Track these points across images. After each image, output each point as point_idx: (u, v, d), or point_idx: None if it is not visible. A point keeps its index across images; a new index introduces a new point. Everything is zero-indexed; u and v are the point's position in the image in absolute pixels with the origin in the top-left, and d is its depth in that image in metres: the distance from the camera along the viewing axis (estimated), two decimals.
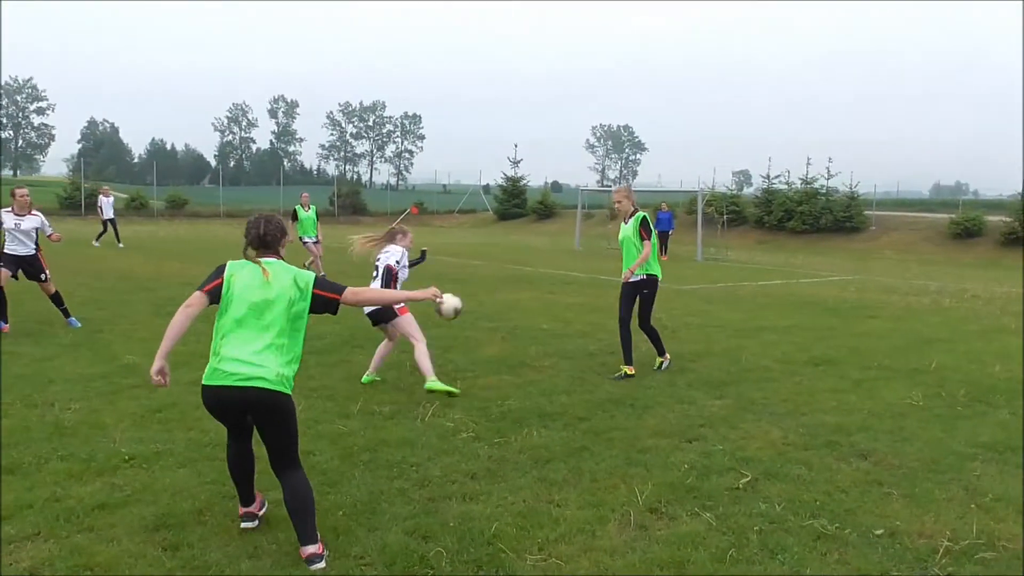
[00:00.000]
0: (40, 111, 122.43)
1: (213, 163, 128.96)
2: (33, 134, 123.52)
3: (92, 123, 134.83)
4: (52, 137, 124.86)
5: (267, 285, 3.65)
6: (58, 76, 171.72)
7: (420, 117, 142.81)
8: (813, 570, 3.76)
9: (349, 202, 47.27)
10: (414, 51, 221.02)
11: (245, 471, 3.92)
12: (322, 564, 3.59)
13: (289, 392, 3.65)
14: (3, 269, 9.08)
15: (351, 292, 3.81)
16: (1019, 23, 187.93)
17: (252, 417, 3.70)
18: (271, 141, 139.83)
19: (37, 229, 9.53)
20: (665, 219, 26.03)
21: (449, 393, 6.47)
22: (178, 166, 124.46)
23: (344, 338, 9.04)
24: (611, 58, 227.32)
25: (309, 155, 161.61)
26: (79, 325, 9.27)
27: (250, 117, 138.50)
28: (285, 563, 3.62)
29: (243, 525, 3.95)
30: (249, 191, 72.41)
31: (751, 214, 36.62)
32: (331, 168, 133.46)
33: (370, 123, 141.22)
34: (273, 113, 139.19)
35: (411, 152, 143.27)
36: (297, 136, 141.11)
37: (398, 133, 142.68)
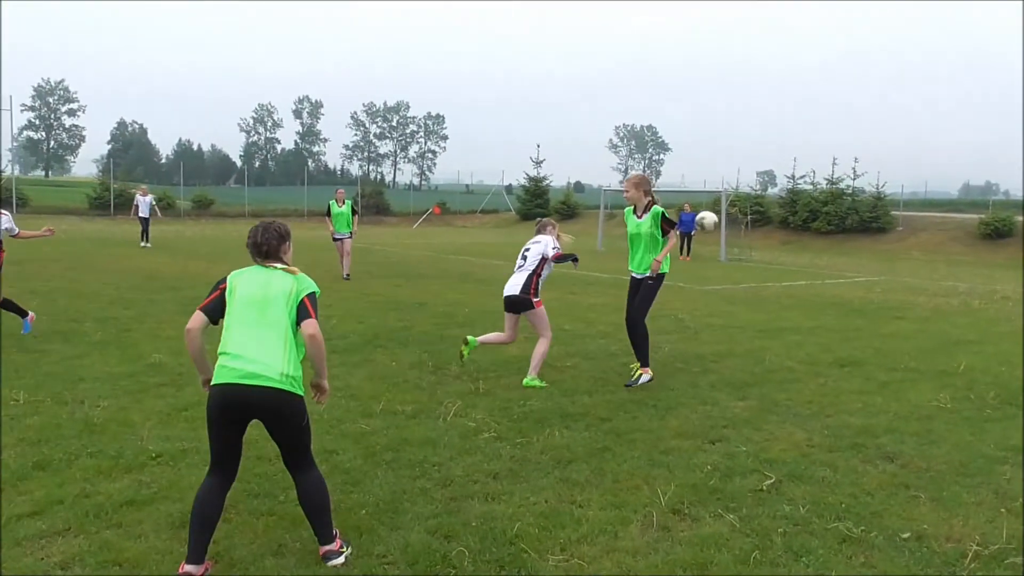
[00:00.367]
0: (71, 112, 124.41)
1: (239, 163, 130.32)
2: (64, 135, 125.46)
3: (121, 124, 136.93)
4: (83, 138, 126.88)
5: (268, 285, 3.63)
6: (89, 77, 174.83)
7: (443, 117, 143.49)
8: (838, 573, 3.72)
9: (373, 202, 47.55)
10: (436, 52, 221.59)
11: (207, 518, 3.49)
12: (340, 560, 3.60)
13: (296, 391, 3.55)
14: None
15: (317, 329, 3.59)
16: None
17: (259, 417, 3.57)
18: (296, 141, 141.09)
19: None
20: (688, 220, 25.87)
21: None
22: (204, 166, 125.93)
23: (367, 338, 9.10)
24: (635, 58, 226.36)
25: (333, 155, 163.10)
26: (30, 330, 8.64)
27: (275, 118, 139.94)
28: (309, 561, 3.65)
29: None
30: (274, 191, 73.12)
31: (775, 214, 36.33)
32: (355, 168, 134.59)
33: (394, 123, 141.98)
34: (298, 113, 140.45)
35: (434, 152, 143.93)
36: (321, 136, 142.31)
37: (421, 133, 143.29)
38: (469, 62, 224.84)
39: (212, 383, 3.56)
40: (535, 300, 7.12)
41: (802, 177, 36.99)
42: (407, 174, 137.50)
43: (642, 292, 7.31)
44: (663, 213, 7.21)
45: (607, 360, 8.32)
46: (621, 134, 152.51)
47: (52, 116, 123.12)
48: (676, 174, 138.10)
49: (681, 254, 25.02)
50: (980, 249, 29.35)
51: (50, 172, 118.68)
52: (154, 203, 24.85)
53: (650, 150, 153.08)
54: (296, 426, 3.61)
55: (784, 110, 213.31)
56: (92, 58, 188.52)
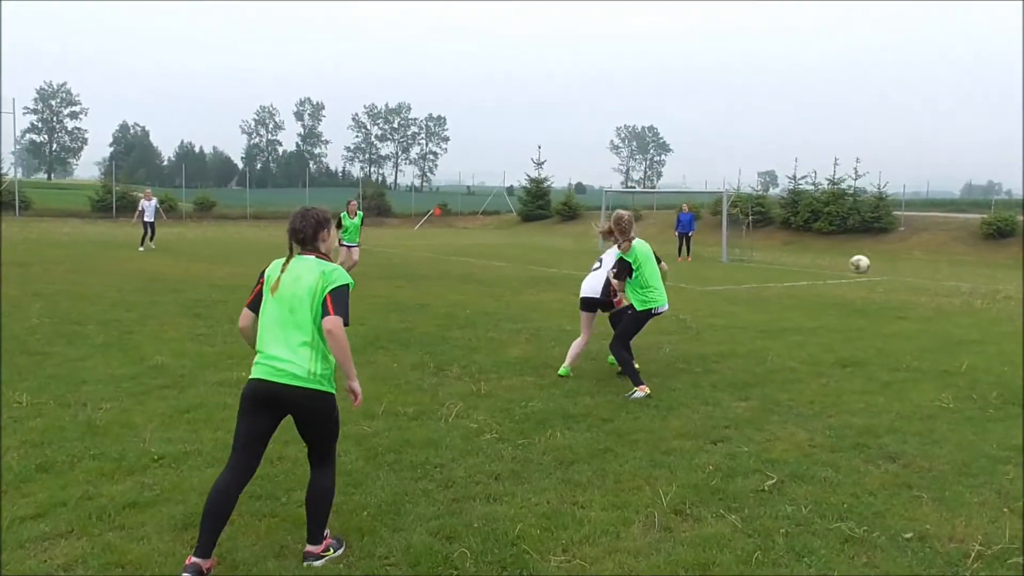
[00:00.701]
0: (74, 115, 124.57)
1: (240, 165, 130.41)
2: (67, 138, 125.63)
3: (124, 126, 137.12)
4: (85, 141, 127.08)
5: (297, 282, 3.64)
6: (91, 79, 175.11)
7: (444, 119, 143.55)
8: (840, 573, 3.72)
9: (374, 204, 47.53)
10: (437, 53, 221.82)
11: (220, 513, 3.51)
12: (318, 563, 3.62)
13: (325, 389, 3.60)
14: None
15: (335, 326, 3.52)
16: None
17: (290, 412, 3.64)
18: (297, 143, 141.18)
19: None
20: (686, 220, 25.83)
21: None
22: (206, 169, 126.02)
23: (369, 339, 9.10)
24: (636, 58, 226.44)
25: (335, 157, 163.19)
26: None
27: (277, 119, 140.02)
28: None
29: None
30: (275, 193, 73.15)
31: (777, 215, 36.27)
32: (356, 170, 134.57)
33: (395, 125, 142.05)
34: (299, 115, 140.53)
35: (435, 154, 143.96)
36: (323, 138, 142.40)
37: (423, 135, 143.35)
38: (470, 63, 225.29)
39: (249, 379, 3.64)
40: (615, 300, 7.71)
41: (803, 177, 36.97)
42: (408, 176, 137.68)
43: (624, 321, 7.38)
44: (621, 256, 7.24)
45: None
46: (622, 135, 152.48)
47: (55, 119, 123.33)
48: (677, 175, 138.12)
49: (680, 255, 24.99)
50: (982, 249, 29.31)
51: (52, 175, 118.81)
52: (158, 206, 24.90)
53: (651, 151, 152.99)
54: (323, 423, 3.66)
55: (785, 110, 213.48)
56: (94, 60, 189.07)
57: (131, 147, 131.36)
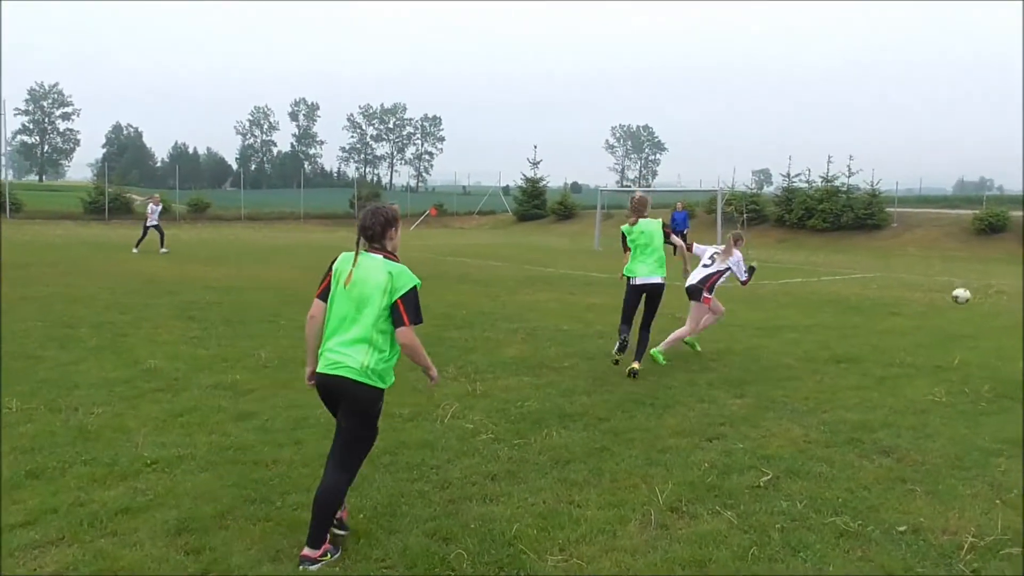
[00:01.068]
0: (66, 116, 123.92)
1: (235, 166, 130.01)
2: (59, 139, 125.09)
3: (117, 128, 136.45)
4: (77, 142, 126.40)
5: (366, 280, 3.70)
6: (83, 80, 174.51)
7: (440, 119, 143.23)
8: (836, 568, 3.73)
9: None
10: (434, 53, 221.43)
11: (328, 506, 3.69)
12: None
13: (376, 385, 3.70)
14: None
15: (409, 339, 3.69)
16: None
17: (340, 399, 3.75)
18: (292, 144, 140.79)
19: None
20: (680, 219, 25.81)
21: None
22: (200, 170, 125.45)
23: None
24: (631, 58, 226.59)
25: (330, 158, 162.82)
26: None
27: (271, 120, 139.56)
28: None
29: (300, 568, 3.62)
30: (270, 194, 72.92)
31: (771, 213, 36.34)
32: (351, 170, 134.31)
33: (390, 125, 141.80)
34: (294, 116, 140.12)
35: (431, 154, 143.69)
36: (318, 139, 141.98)
37: (418, 135, 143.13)
38: (466, 63, 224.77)
39: (316, 372, 3.82)
40: (705, 296, 8.31)
41: (797, 175, 37.05)
42: (404, 176, 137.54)
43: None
44: (622, 233, 8.10)
45: (605, 360, 8.31)
46: (617, 134, 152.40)
47: (46, 120, 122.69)
48: (672, 174, 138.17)
49: (675, 254, 24.98)
50: (974, 244, 29.42)
51: (44, 177, 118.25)
52: (159, 211, 24.69)
53: (646, 150, 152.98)
54: (362, 415, 3.76)
55: (785, 110, 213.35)
56: (86, 61, 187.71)
57: (124, 148, 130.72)
